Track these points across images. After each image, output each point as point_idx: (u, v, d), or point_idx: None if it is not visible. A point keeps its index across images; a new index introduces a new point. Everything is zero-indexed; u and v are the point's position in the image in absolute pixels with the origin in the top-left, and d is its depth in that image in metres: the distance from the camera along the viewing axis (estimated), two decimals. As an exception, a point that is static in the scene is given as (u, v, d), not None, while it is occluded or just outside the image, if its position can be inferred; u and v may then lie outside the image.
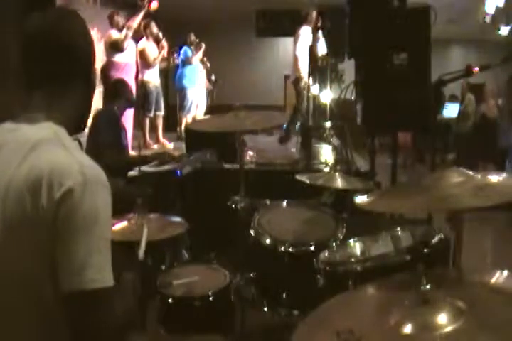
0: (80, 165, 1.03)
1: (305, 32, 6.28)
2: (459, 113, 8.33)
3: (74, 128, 1.18)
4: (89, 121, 3.85)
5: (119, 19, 5.82)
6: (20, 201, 1.00)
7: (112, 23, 5.80)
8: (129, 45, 5.83)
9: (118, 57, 5.71)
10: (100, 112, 3.90)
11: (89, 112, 1.28)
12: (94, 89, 1.24)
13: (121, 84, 4.07)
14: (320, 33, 6.35)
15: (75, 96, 1.17)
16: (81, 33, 1.19)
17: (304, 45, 6.24)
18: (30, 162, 1.03)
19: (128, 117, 5.85)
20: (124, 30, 5.69)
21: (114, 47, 5.68)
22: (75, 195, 1.00)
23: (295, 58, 6.30)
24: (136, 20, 5.82)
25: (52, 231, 1.00)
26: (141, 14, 5.84)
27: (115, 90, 3.94)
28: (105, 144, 3.49)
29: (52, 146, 1.06)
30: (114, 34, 5.73)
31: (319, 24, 6.27)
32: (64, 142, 1.09)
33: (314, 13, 6.34)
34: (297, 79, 6.28)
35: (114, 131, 3.69)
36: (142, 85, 6.43)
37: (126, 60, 5.81)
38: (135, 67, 6.04)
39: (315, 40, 6.23)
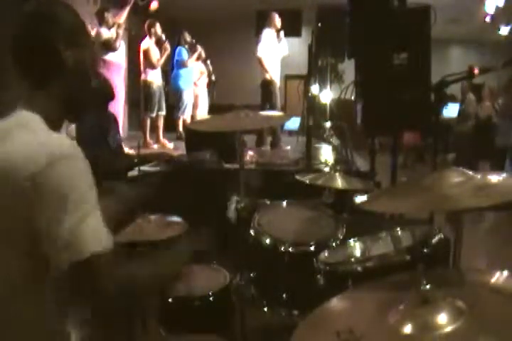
0: (43, 146, 1.05)
1: (267, 35, 6.28)
2: (459, 113, 8.33)
3: (59, 117, 1.20)
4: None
5: (109, 16, 5.77)
6: None
7: (101, 21, 5.74)
8: (120, 44, 5.80)
9: (109, 56, 5.69)
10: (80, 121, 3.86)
11: (80, 94, 1.27)
12: (71, 69, 1.21)
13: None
14: (282, 34, 6.38)
15: (54, 83, 1.19)
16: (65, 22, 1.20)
17: (266, 48, 6.23)
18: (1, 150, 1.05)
19: (118, 116, 5.84)
20: (114, 29, 5.65)
21: (107, 46, 5.65)
22: (40, 177, 1.01)
23: (259, 61, 6.27)
24: (123, 17, 5.79)
25: (29, 214, 1.01)
26: (127, 10, 5.80)
27: None
28: (94, 153, 3.47)
29: (21, 132, 1.08)
30: (105, 32, 5.69)
31: (279, 26, 6.32)
32: (31, 126, 1.10)
33: (276, 16, 6.35)
34: (264, 82, 6.29)
35: (99, 137, 3.64)
36: (145, 85, 6.44)
37: (117, 59, 5.79)
38: (125, 67, 6.02)
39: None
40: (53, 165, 1.02)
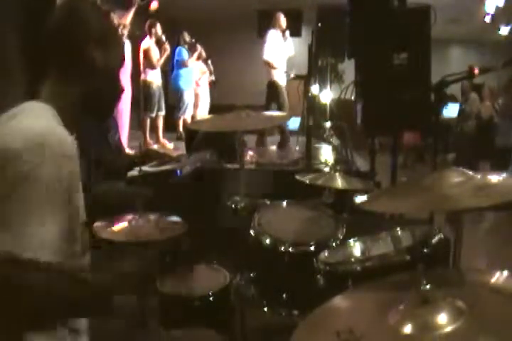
0: (20, 131, 1.06)
1: (273, 35, 6.26)
2: (460, 113, 8.33)
3: (77, 116, 1.22)
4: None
5: (114, 17, 5.78)
6: None
7: None
8: (125, 44, 5.81)
9: None
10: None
11: (107, 93, 1.30)
12: (100, 69, 1.24)
13: None
14: (287, 34, 6.36)
15: (81, 81, 1.21)
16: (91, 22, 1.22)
17: (272, 49, 6.21)
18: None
19: (124, 116, 5.85)
20: (119, 30, 5.66)
21: None
22: (17, 162, 1.01)
23: (265, 63, 6.26)
24: (129, 18, 5.79)
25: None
26: (133, 11, 5.81)
27: None
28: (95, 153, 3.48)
29: (20, 117, 1.11)
30: None
31: (285, 26, 6.29)
32: (36, 112, 1.13)
33: (281, 16, 6.33)
34: (271, 83, 6.27)
35: (99, 136, 3.63)
36: (145, 85, 6.44)
37: None
38: (130, 67, 6.03)
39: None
40: (24, 152, 1.02)
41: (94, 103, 1.25)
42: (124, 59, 1.31)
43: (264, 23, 10.37)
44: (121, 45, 1.32)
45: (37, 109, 1.15)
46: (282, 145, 6.15)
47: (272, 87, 6.28)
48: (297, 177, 2.38)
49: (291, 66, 6.76)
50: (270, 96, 6.36)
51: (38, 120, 1.11)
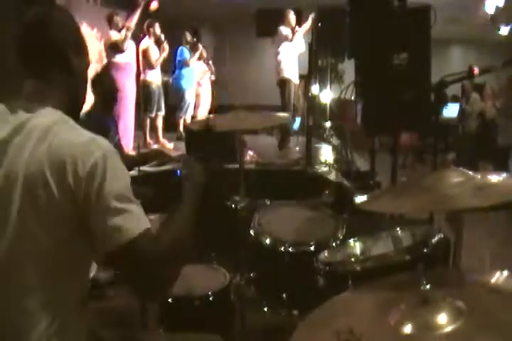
0: (93, 141, 1.12)
1: (283, 33, 6.26)
2: (460, 113, 8.33)
3: (67, 114, 1.22)
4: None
5: (118, 20, 5.80)
6: (43, 186, 1.05)
7: (111, 24, 5.79)
8: (129, 45, 5.82)
9: (118, 58, 5.71)
10: (80, 122, 3.83)
11: (81, 99, 1.33)
12: (77, 75, 1.26)
13: (94, 80, 3.95)
14: (298, 30, 6.34)
15: (60, 84, 1.22)
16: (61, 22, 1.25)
17: (284, 46, 6.20)
18: (46, 146, 1.08)
19: (129, 117, 5.86)
20: (124, 31, 5.68)
21: (114, 48, 5.67)
22: (99, 167, 1.08)
23: (277, 60, 6.25)
24: (134, 20, 5.79)
25: (82, 207, 1.07)
26: (138, 13, 5.81)
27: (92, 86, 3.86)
28: None
29: (63, 128, 1.12)
30: (114, 35, 5.72)
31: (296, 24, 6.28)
32: (71, 123, 1.16)
33: (291, 13, 6.31)
34: (282, 81, 6.25)
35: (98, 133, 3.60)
36: (145, 85, 6.43)
37: (127, 59, 5.80)
38: (135, 67, 6.04)
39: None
40: (106, 157, 1.09)
41: (71, 106, 1.27)
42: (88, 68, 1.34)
43: (263, 22, 10.42)
44: (89, 56, 1.33)
45: (67, 118, 1.17)
46: (283, 145, 6.12)
47: (283, 85, 6.24)
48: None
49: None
50: (283, 94, 6.31)
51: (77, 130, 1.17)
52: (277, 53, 6.25)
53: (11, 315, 1.08)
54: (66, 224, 1.08)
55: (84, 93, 1.34)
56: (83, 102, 1.35)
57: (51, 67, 1.21)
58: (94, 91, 3.82)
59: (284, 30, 6.21)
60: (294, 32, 6.23)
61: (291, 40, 6.17)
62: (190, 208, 1.33)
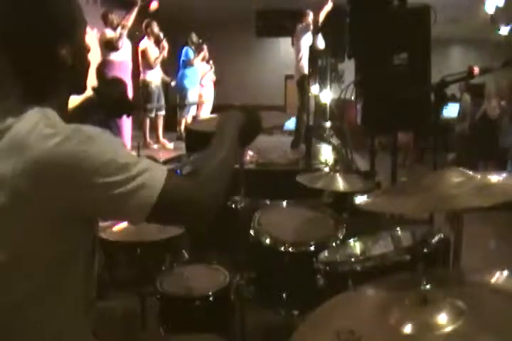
0: (63, 139, 0.99)
1: (301, 31, 6.29)
2: (459, 113, 8.33)
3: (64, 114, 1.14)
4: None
5: (113, 18, 5.78)
6: (16, 189, 0.98)
7: (106, 22, 5.76)
8: (124, 43, 5.80)
9: (113, 56, 5.69)
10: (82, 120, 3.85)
11: (81, 88, 1.22)
12: (70, 66, 1.12)
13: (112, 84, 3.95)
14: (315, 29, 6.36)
15: (50, 79, 1.11)
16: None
17: (304, 43, 6.23)
18: (23, 158, 0.99)
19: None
20: (119, 29, 5.66)
21: (109, 46, 5.65)
22: (74, 160, 0.98)
23: (298, 57, 6.27)
24: (131, 19, 5.78)
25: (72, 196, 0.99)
26: (135, 12, 5.80)
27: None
28: None
29: (39, 135, 1.00)
30: (109, 33, 5.70)
31: (317, 22, 6.28)
32: (49, 121, 1.04)
33: (311, 13, 6.33)
34: (302, 79, 6.24)
35: None
36: (144, 85, 6.43)
37: (122, 58, 5.78)
38: (131, 65, 6.02)
39: (315, 40, 6.23)
40: (92, 138, 1.01)
41: (75, 85, 1.18)
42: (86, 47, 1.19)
43: (262, 22, 10.42)
44: (84, 26, 1.16)
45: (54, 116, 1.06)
46: (296, 144, 6.12)
47: (302, 82, 6.23)
48: (297, 178, 2.37)
49: (290, 66, 6.76)
50: (301, 91, 6.31)
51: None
52: (298, 51, 6.28)
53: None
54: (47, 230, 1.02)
55: (84, 81, 1.21)
56: (84, 89, 1.24)
57: (36, 61, 1.08)
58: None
59: (303, 28, 6.26)
60: (312, 30, 6.25)
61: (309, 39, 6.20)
62: (229, 141, 1.23)
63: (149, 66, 6.45)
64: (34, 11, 1.06)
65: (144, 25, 6.50)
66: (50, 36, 1.08)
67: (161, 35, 6.61)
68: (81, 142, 1.00)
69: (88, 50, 1.20)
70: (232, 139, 1.23)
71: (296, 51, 6.35)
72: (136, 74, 6.29)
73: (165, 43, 6.58)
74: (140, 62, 6.47)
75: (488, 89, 7.80)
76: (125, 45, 5.82)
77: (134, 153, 1.19)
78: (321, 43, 6.28)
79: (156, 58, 6.48)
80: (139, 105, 5.32)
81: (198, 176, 1.10)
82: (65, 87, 1.15)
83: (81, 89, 1.23)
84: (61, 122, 1.05)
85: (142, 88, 6.42)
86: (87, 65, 1.21)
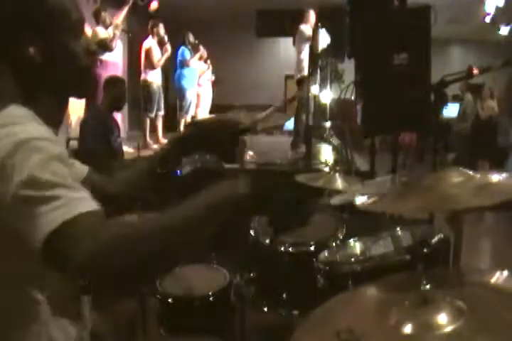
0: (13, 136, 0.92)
1: (304, 31, 6.28)
2: (459, 113, 8.33)
3: (58, 108, 1.10)
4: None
5: (106, 15, 5.73)
6: None
7: (98, 20, 5.72)
8: (117, 44, 5.78)
9: (106, 56, 5.67)
10: (85, 121, 3.87)
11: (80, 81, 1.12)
12: (44, 64, 1.03)
13: (108, 82, 3.99)
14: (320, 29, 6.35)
15: (39, 85, 1.04)
16: None
17: (305, 43, 6.22)
18: None
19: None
20: (111, 29, 5.62)
21: (103, 46, 5.62)
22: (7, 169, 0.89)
23: (298, 58, 6.27)
24: (121, 17, 5.75)
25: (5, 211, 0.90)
26: (126, 10, 5.77)
27: (103, 88, 3.89)
28: (95, 153, 3.49)
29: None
30: (101, 31, 5.65)
31: (318, 22, 6.28)
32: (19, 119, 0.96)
33: (312, 12, 6.33)
34: (302, 79, 6.24)
35: (102, 138, 3.64)
36: (145, 85, 6.43)
37: (114, 58, 5.77)
38: (121, 66, 6.00)
39: (316, 39, 6.23)
40: (17, 150, 0.90)
41: (67, 88, 1.09)
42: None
43: (262, 22, 10.41)
44: (80, 20, 1.06)
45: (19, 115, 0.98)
46: (296, 145, 6.12)
47: (302, 82, 6.23)
48: (297, 178, 2.37)
49: (290, 66, 6.76)
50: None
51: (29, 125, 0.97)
52: (299, 52, 6.27)
53: None
54: None
55: (75, 83, 1.10)
56: (84, 92, 1.16)
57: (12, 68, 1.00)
58: (105, 93, 3.85)
59: (305, 28, 6.23)
60: (313, 29, 6.24)
61: (310, 40, 6.20)
62: (204, 204, 1.04)
63: (152, 66, 6.44)
64: None
65: (150, 25, 6.49)
66: (12, 31, 0.99)
67: (166, 38, 6.60)
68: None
69: (87, 50, 1.12)
70: (196, 211, 1.04)
71: (297, 51, 6.35)
72: (135, 74, 6.29)
73: (168, 47, 6.58)
74: (142, 62, 6.47)
75: (485, 89, 7.80)
76: (117, 46, 5.80)
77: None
78: (325, 39, 6.27)
79: (159, 60, 6.49)
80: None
81: (108, 235, 0.89)
82: (46, 87, 1.05)
83: (73, 91, 1.13)
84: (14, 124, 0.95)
85: (143, 88, 6.42)
86: (74, 66, 1.08)
